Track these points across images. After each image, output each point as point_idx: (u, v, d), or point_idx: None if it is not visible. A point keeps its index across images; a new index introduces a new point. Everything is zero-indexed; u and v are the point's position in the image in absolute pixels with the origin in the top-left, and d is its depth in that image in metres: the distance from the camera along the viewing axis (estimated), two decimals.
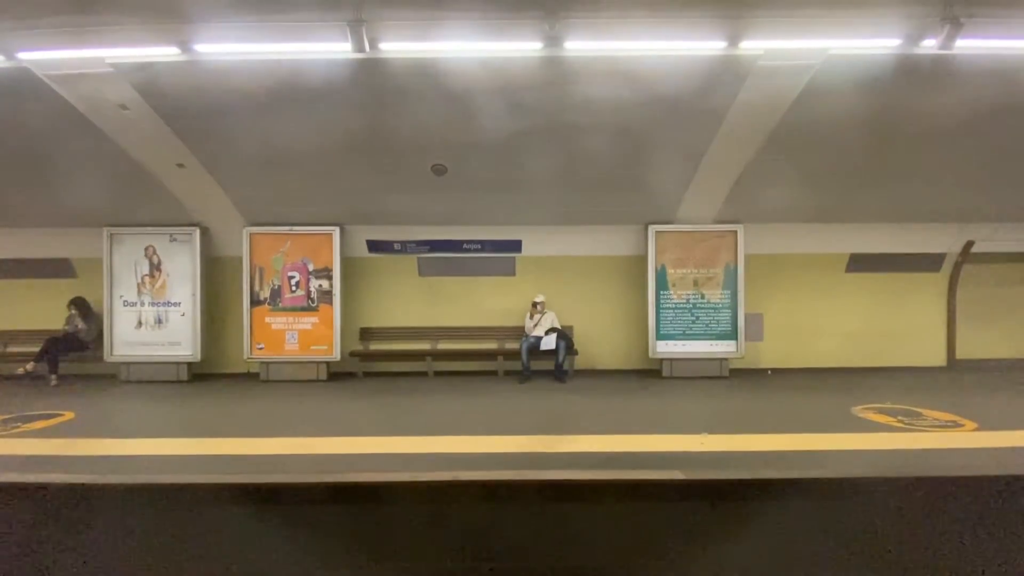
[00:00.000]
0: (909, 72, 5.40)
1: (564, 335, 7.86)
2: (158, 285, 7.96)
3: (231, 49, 5.32)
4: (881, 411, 5.57)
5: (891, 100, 5.79)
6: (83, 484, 0.88)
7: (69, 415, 5.67)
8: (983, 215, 7.91)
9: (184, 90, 5.73)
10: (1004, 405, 6.17)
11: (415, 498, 0.90)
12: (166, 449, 4.52)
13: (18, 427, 5.19)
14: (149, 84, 5.66)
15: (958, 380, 7.81)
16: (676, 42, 5.21)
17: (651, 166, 6.86)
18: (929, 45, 5.06)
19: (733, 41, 5.19)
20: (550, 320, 7.95)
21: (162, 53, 5.32)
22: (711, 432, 4.70)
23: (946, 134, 6.24)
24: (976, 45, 5.05)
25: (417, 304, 8.56)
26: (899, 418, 5.30)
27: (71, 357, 7.78)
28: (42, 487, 0.88)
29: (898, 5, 4.87)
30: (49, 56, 5.27)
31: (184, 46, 5.23)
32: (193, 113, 6.12)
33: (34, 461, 4.20)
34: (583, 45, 5.23)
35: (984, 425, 5.01)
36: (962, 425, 5.06)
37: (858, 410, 5.64)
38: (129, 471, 3.93)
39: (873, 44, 5.25)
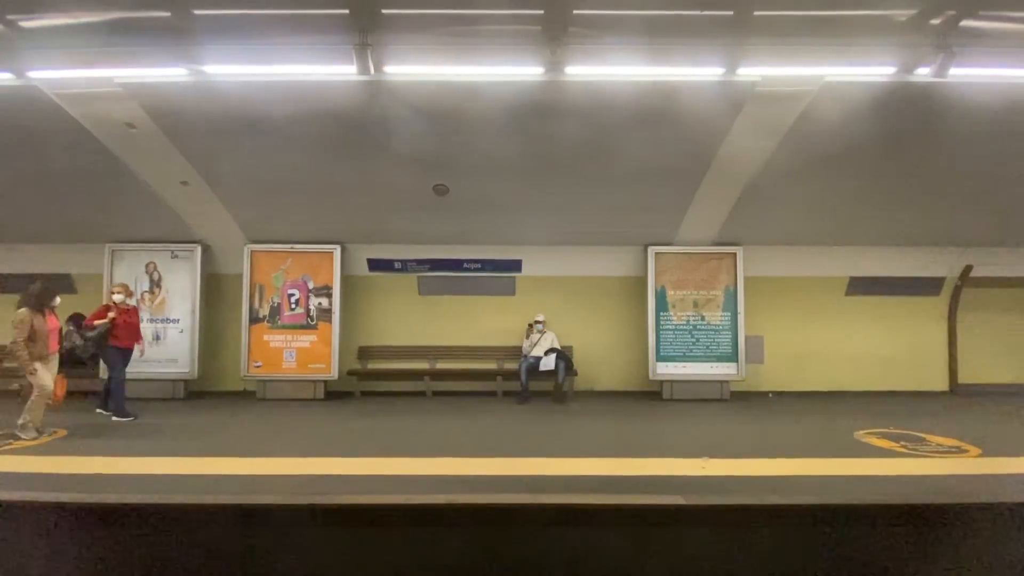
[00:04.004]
0: (905, 99, 5.49)
1: (564, 355, 7.82)
2: (157, 301, 7.96)
3: (238, 71, 5.43)
4: (884, 436, 5.51)
5: (888, 126, 5.88)
6: (73, 503, 0.87)
7: (62, 432, 5.61)
8: (982, 239, 7.95)
9: (191, 110, 5.83)
10: (1008, 430, 6.11)
11: (409, 521, 0.88)
12: (158, 468, 4.46)
13: (10, 444, 5.13)
14: (157, 104, 5.76)
15: (961, 405, 7.74)
16: (675, 68, 5.31)
17: (651, 188, 6.94)
18: (923, 73, 5.16)
19: (731, 68, 5.30)
20: (550, 340, 7.92)
21: (170, 74, 5.43)
22: (712, 456, 4.64)
23: (943, 158, 6.32)
24: (970, 73, 5.15)
25: (416, 323, 8.54)
26: (902, 443, 5.24)
27: (67, 373, 7.70)
28: (31, 505, 0.87)
29: (893, 34, 4.98)
30: (59, 75, 5.38)
31: (192, 67, 5.33)
32: (199, 132, 6.21)
33: (24, 479, 4.13)
34: (584, 70, 5.34)
35: (988, 451, 4.95)
36: (966, 451, 5.00)
37: (861, 435, 5.57)
38: (120, 490, 3.86)
39: (869, 72, 5.36)
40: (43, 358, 5.40)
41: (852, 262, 8.30)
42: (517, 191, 7.03)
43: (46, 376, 5.41)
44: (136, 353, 6.62)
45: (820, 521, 0.87)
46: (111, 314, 6.29)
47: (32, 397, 5.34)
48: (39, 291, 5.53)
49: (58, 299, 5.81)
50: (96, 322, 6.26)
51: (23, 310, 5.34)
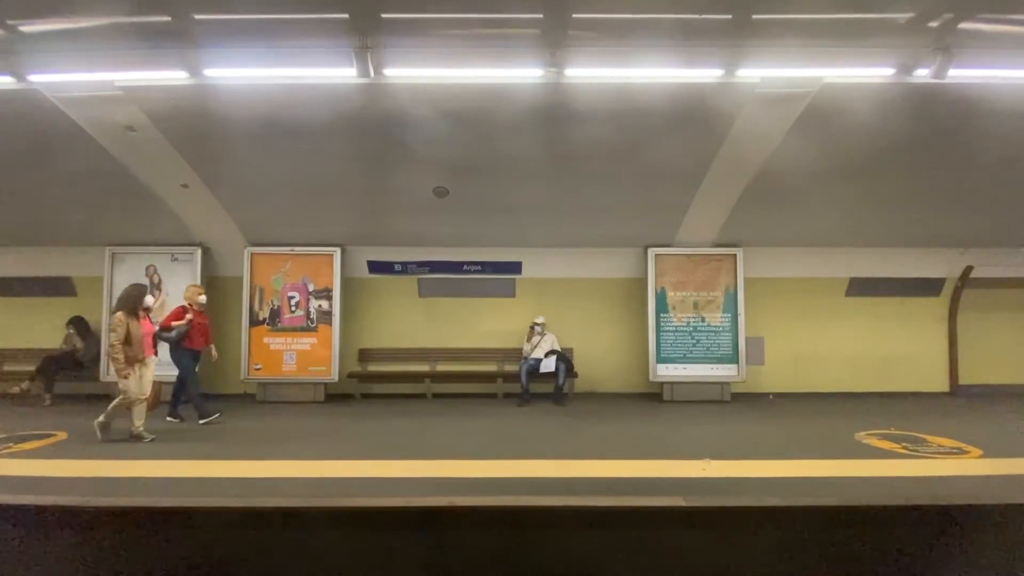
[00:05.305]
0: (904, 100, 5.50)
1: (564, 357, 7.81)
2: (158, 304, 7.94)
3: (238, 74, 5.43)
4: (885, 437, 5.51)
5: (887, 127, 5.88)
6: (73, 506, 0.87)
7: (62, 435, 5.60)
8: (982, 240, 7.95)
9: (191, 113, 5.83)
10: (1009, 431, 6.10)
11: (410, 523, 0.88)
12: (159, 471, 4.45)
13: (10, 447, 5.12)
14: (157, 107, 5.77)
15: (961, 406, 7.73)
16: (675, 69, 5.32)
17: (650, 190, 6.94)
18: (922, 75, 5.17)
19: (731, 69, 5.31)
20: (550, 342, 7.92)
21: (171, 77, 5.44)
22: (714, 458, 4.63)
23: (943, 159, 6.32)
24: (969, 74, 5.16)
25: (417, 325, 8.54)
26: (903, 444, 5.24)
27: (67, 376, 7.72)
28: (31, 508, 0.87)
29: (891, 36, 4.99)
30: (60, 79, 5.38)
31: (193, 71, 5.34)
32: (199, 135, 6.21)
33: (24, 482, 4.13)
34: (583, 72, 5.35)
35: (989, 452, 4.95)
36: (967, 452, 5.00)
37: (862, 436, 5.57)
38: (121, 493, 3.86)
39: (868, 73, 5.37)
40: (139, 361, 5.42)
41: (852, 263, 8.30)
42: (517, 193, 7.03)
43: (144, 380, 5.45)
44: (212, 354, 6.62)
45: (821, 522, 0.87)
46: (188, 316, 6.23)
47: (129, 405, 5.36)
48: (131, 294, 5.59)
49: (150, 299, 5.79)
50: (174, 323, 6.20)
51: (120, 313, 5.37)
